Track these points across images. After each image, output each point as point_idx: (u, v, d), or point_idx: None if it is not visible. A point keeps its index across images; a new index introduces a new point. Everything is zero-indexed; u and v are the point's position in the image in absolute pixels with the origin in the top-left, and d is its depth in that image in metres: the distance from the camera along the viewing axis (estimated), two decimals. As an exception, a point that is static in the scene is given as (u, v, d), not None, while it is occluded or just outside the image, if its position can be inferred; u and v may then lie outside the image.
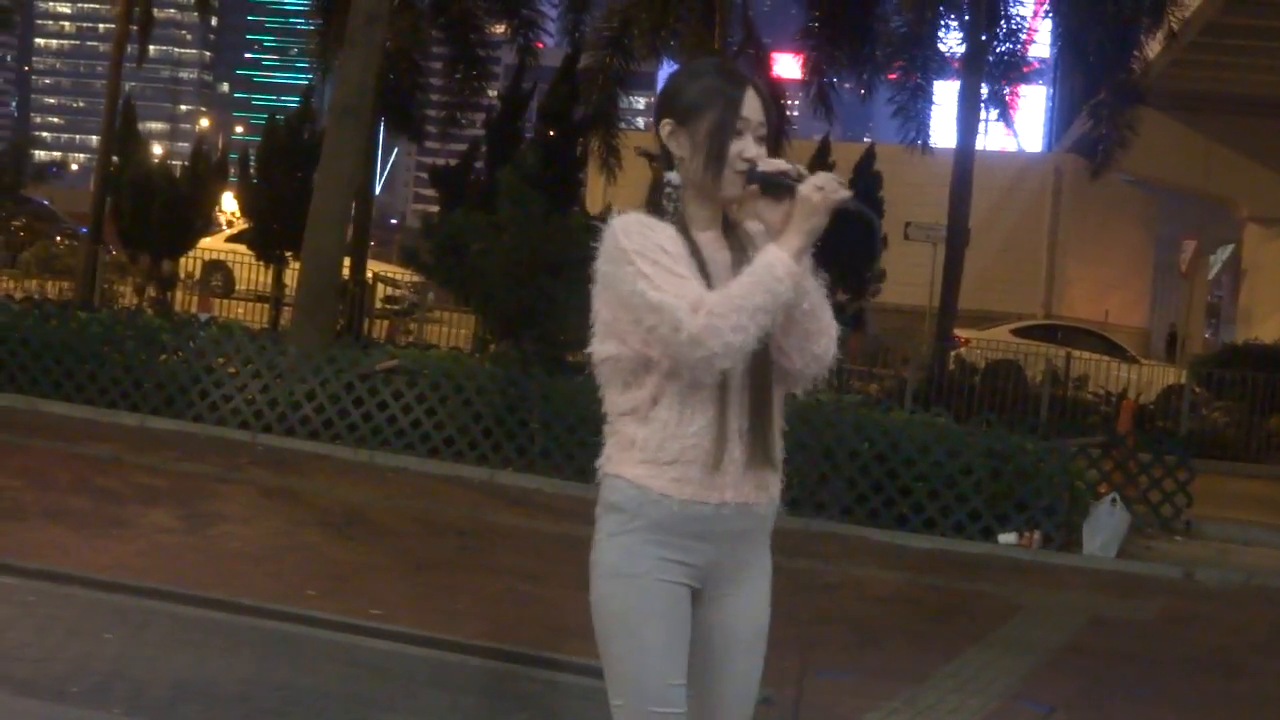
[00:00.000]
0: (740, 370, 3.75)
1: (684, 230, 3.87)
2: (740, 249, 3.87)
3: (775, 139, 4.02)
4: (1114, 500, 15.19)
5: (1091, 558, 14.73)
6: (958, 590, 12.87)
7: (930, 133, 30.83)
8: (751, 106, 3.87)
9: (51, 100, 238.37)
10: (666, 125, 3.92)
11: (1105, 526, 14.95)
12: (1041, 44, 39.99)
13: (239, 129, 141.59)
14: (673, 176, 3.93)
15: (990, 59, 29.59)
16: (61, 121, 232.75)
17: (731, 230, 3.94)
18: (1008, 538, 14.83)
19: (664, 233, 3.83)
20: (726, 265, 3.82)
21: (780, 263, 3.69)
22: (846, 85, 33.64)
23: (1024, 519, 14.92)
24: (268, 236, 28.47)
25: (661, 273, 3.73)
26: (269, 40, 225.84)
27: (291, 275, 25.02)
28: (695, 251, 3.83)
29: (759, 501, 3.88)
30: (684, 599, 3.86)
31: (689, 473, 3.80)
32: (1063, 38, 31.51)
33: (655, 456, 3.84)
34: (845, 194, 3.73)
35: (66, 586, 9.16)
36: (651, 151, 4.08)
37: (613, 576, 3.92)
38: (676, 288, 3.70)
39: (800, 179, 3.76)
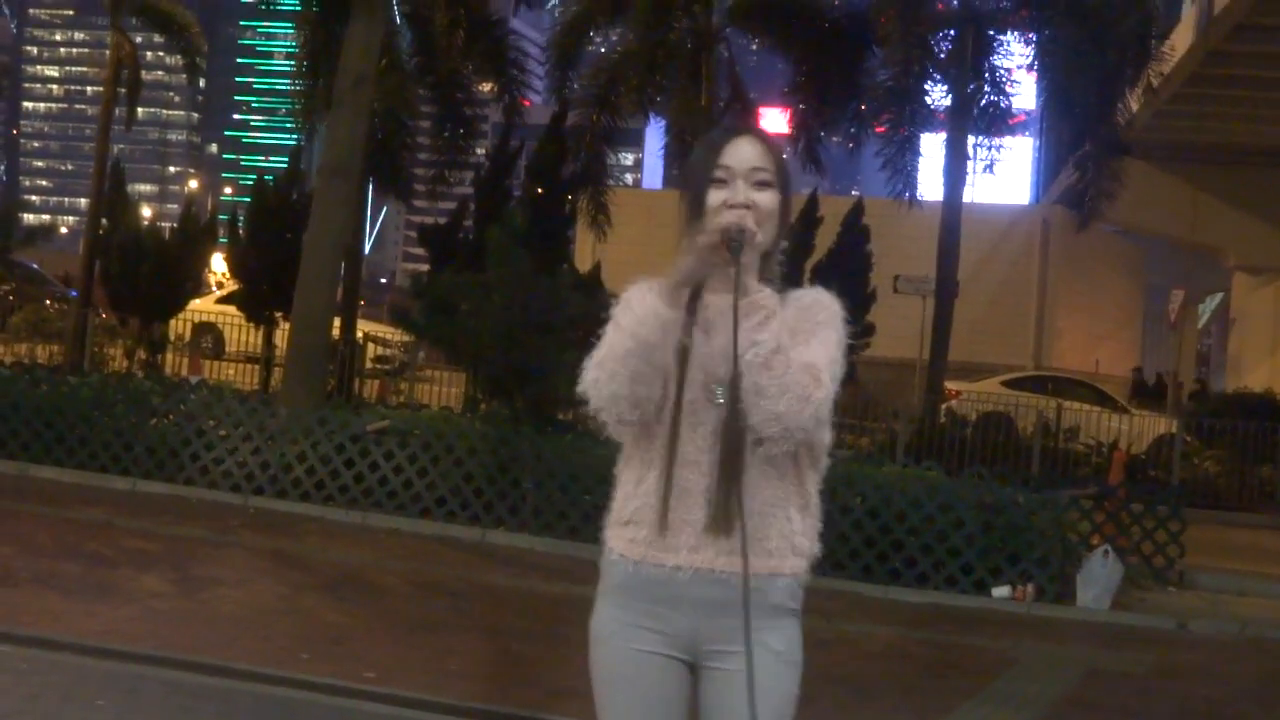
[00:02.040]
0: (708, 429, 3.74)
1: (696, 290, 3.80)
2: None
3: (785, 187, 3.91)
4: (1106, 552, 15.20)
5: (1085, 610, 14.72)
6: (952, 645, 12.85)
7: (918, 185, 30.92)
8: (739, 154, 3.86)
9: (40, 163, 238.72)
10: (682, 194, 3.96)
11: (1098, 578, 14.95)
12: (1027, 96, 40.14)
13: (228, 190, 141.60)
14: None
15: (976, 112, 29.72)
16: (50, 184, 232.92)
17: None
18: (1001, 591, 14.82)
19: (651, 292, 3.79)
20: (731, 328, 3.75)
21: (651, 303, 3.72)
22: (834, 139, 33.77)
23: (1017, 572, 14.91)
24: (257, 297, 28.46)
25: (609, 333, 3.81)
26: (256, 101, 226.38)
27: (282, 336, 25.03)
28: (691, 309, 3.78)
29: (727, 569, 3.73)
30: (660, 667, 3.82)
31: (640, 533, 3.80)
32: (1048, 90, 31.66)
33: (617, 517, 3.88)
34: (726, 226, 3.73)
35: (58, 653, 9.13)
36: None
37: (591, 641, 3.95)
38: (602, 346, 3.80)
39: (725, 234, 3.72)
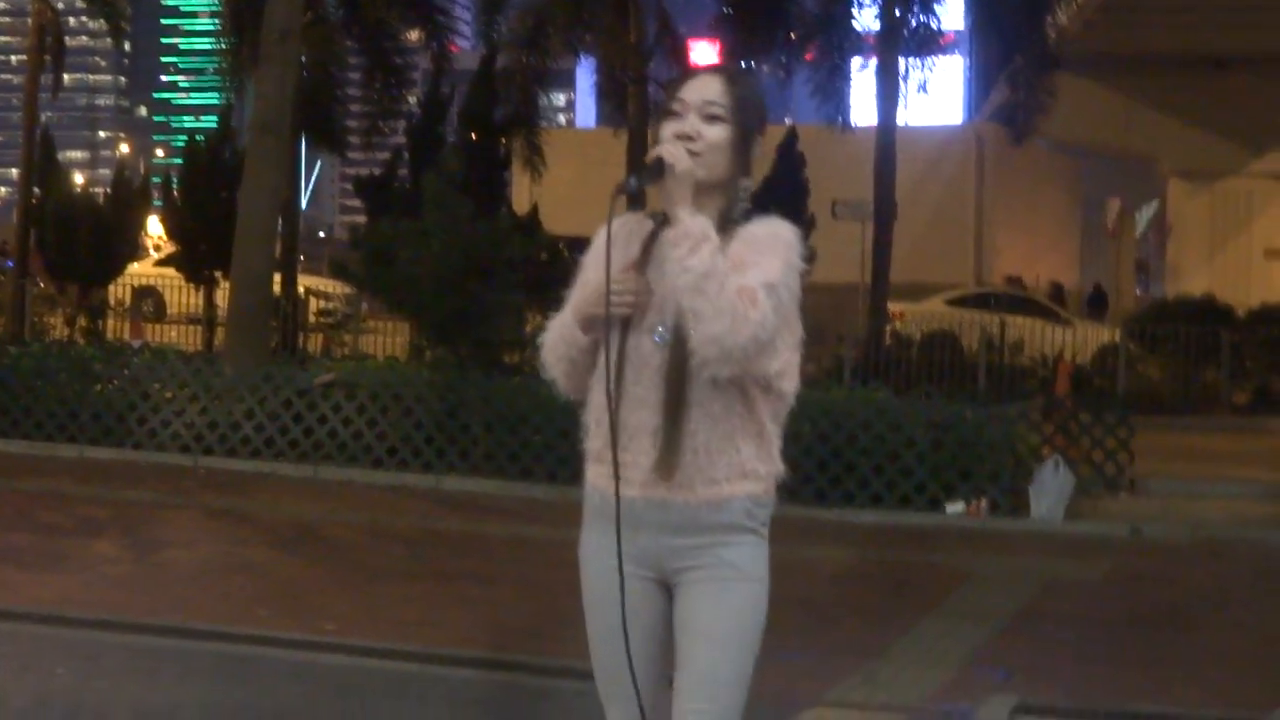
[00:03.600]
0: (652, 369, 3.91)
1: (659, 227, 3.94)
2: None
3: (743, 123, 4.00)
4: (1057, 463, 15.26)
5: (1039, 521, 14.81)
6: (909, 563, 12.93)
7: (850, 111, 30.90)
8: (695, 88, 3.98)
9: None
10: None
11: (1050, 489, 15.03)
12: (956, 15, 40.11)
13: (159, 152, 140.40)
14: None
15: (906, 33, 29.66)
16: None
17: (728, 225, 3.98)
18: (955, 507, 14.89)
19: (604, 237, 3.96)
20: (661, 262, 3.92)
21: (566, 315, 4.07)
22: (765, 69, 33.67)
23: (969, 487, 14.98)
24: (196, 258, 28.28)
25: (575, 289, 4.10)
26: (183, 62, 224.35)
27: (222, 295, 24.85)
28: (648, 247, 3.98)
29: (679, 500, 3.93)
30: (636, 588, 3.98)
31: (605, 469, 3.98)
32: (976, 8, 31.65)
33: (589, 452, 4.11)
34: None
35: (14, 624, 9.09)
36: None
37: (580, 564, 4.17)
38: (560, 313, 4.13)
39: (650, 165, 3.88)
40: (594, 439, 4.07)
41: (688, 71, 4.17)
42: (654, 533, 3.96)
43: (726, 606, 3.95)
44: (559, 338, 4.08)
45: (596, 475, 4.06)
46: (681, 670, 3.98)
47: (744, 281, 3.76)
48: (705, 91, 3.96)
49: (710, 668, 3.94)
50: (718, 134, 3.94)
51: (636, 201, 4.13)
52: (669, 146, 3.88)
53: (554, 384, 4.14)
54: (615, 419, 3.91)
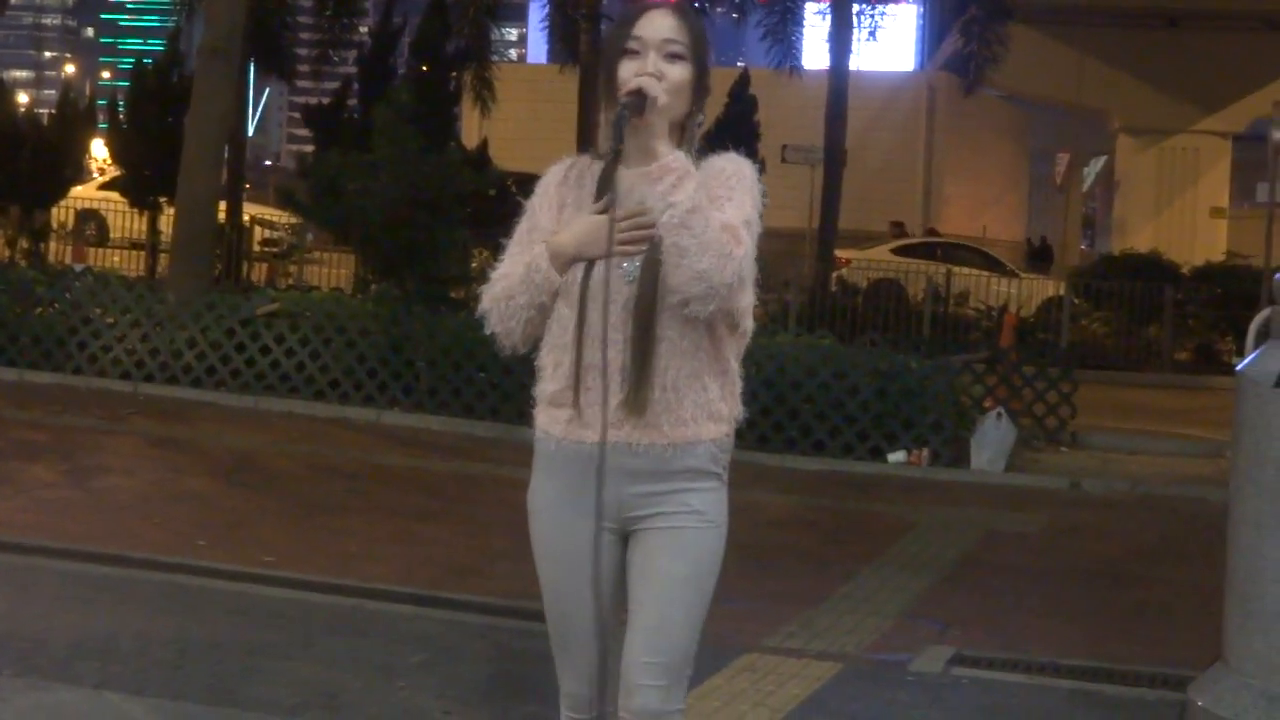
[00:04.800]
0: (618, 306, 3.80)
1: (610, 168, 3.85)
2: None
3: (699, 59, 3.92)
4: (999, 414, 15.33)
5: (980, 472, 14.87)
6: (850, 511, 12.96)
7: (801, 56, 30.87)
8: (651, 25, 3.87)
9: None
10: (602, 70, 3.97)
11: (992, 441, 15.09)
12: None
13: (106, 74, 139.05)
14: (608, 115, 3.93)
15: (860, -22, 29.64)
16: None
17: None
18: (897, 456, 14.93)
19: (554, 180, 4.01)
20: (641, 200, 3.79)
21: (540, 259, 3.87)
22: (719, 10, 33.59)
23: (912, 436, 15.02)
24: (141, 183, 28.03)
25: (515, 237, 4.02)
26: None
27: (167, 221, 24.67)
28: (603, 189, 3.87)
29: (643, 441, 3.84)
30: (590, 535, 3.83)
31: (562, 413, 3.89)
32: (931, -45, 31.58)
33: (542, 398, 3.98)
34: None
35: (-50, 547, 9.02)
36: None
37: (529, 514, 4.04)
38: (507, 259, 3.98)
39: (632, 99, 3.75)
40: (550, 381, 3.94)
41: (637, 5, 4.00)
42: (616, 480, 3.82)
43: (687, 554, 3.88)
44: (519, 287, 3.89)
45: (552, 420, 3.94)
46: (635, 617, 3.91)
47: (725, 218, 3.72)
48: (663, 29, 3.86)
49: (665, 618, 3.86)
50: (679, 73, 3.84)
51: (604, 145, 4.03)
52: (647, 80, 3.77)
53: (504, 338, 3.95)
54: (605, 366, 3.81)
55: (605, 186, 3.86)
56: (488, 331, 3.97)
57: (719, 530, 3.96)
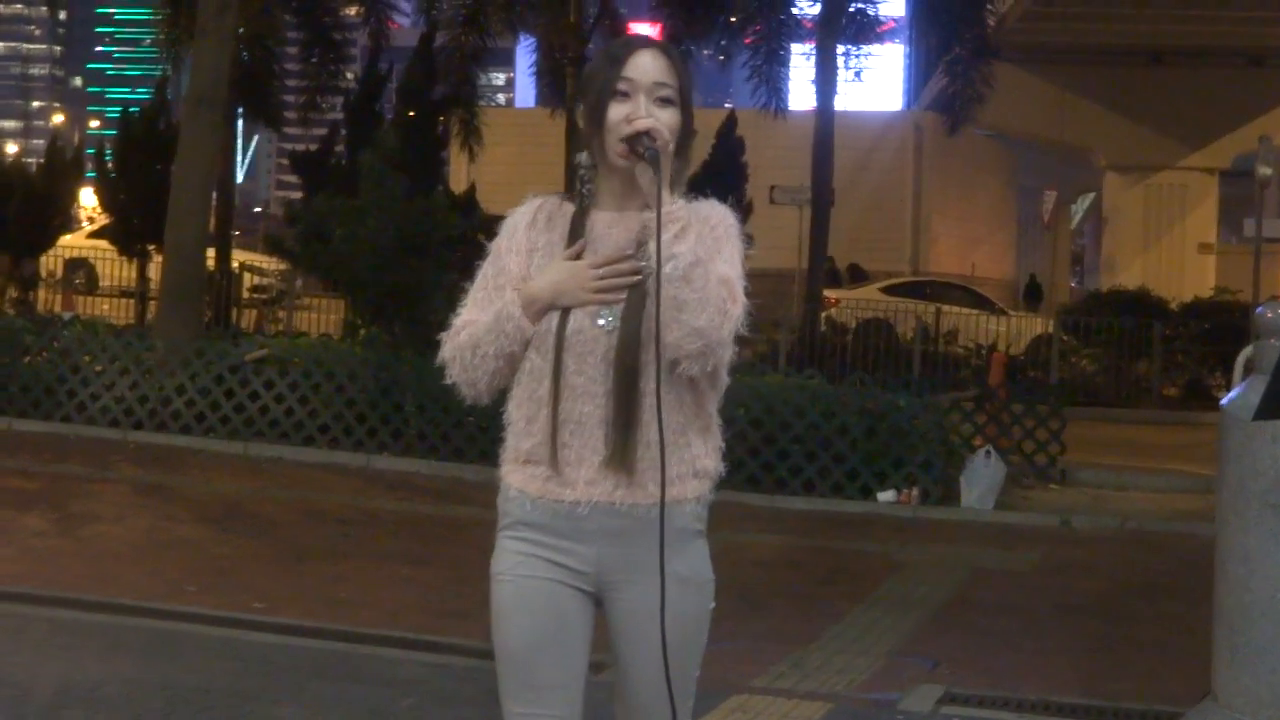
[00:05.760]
0: (597, 358, 3.62)
1: (581, 212, 3.74)
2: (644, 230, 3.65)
3: (687, 104, 3.75)
4: (989, 452, 15.34)
5: (969, 510, 14.88)
6: (839, 551, 12.96)
7: (787, 97, 30.96)
8: (642, 67, 3.68)
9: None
10: (579, 106, 3.79)
11: (981, 479, 15.10)
12: (896, 2, 40.25)
13: (94, 123, 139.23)
14: (581, 157, 3.79)
15: (845, 20, 29.73)
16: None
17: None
18: (886, 496, 14.94)
19: (521, 222, 3.82)
20: (619, 246, 3.68)
21: (511, 307, 3.67)
22: (705, 52, 33.70)
23: (901, 475, 15.02)
24: (129, 231, 28.06)
25: (479, 282, 3.81)
26: (120, 32, 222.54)
27: (156, 269, 24.70)
28: (576, 233, 3.72)
29: (628, 501, 3.64)
30: (561, 596, 3.71)
31: (538, 470, 3.69)
32: (915, -5, 31.73)
33: (514, 456, 3.76)
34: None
35: (-61, 597, 9.01)
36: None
37: (492, 580, 3.79)
38: (471, 306, 3.77)
39: (646, 145, 3.58)
40: (523, 438, 3.72)
41: (622, 44, 3.79)
42: (594, 542, 3.67)
43: (677, 619, 3.66)
44: (487, 336, 3.68)
45: (527, 479, 3.71)
46: (629, 684, 3.78)
47: (722, 272, 3.56)
48: (653, 71, 3.68)
49: (658, 694, 3.69)
50: (670, 118, 3.67)
51: (572, 188, 3.89)
52: (653, 122, 3.62)
53: (467, 388, 3.74)
54: (646, 415, 3.61)
55: (531, 227, 3.80)
56: (449, 381, 3.76)
57: (708, 587, 3.78)
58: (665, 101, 3.69)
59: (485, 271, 3.83)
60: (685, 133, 3.74)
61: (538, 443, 3.68)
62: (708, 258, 3.55)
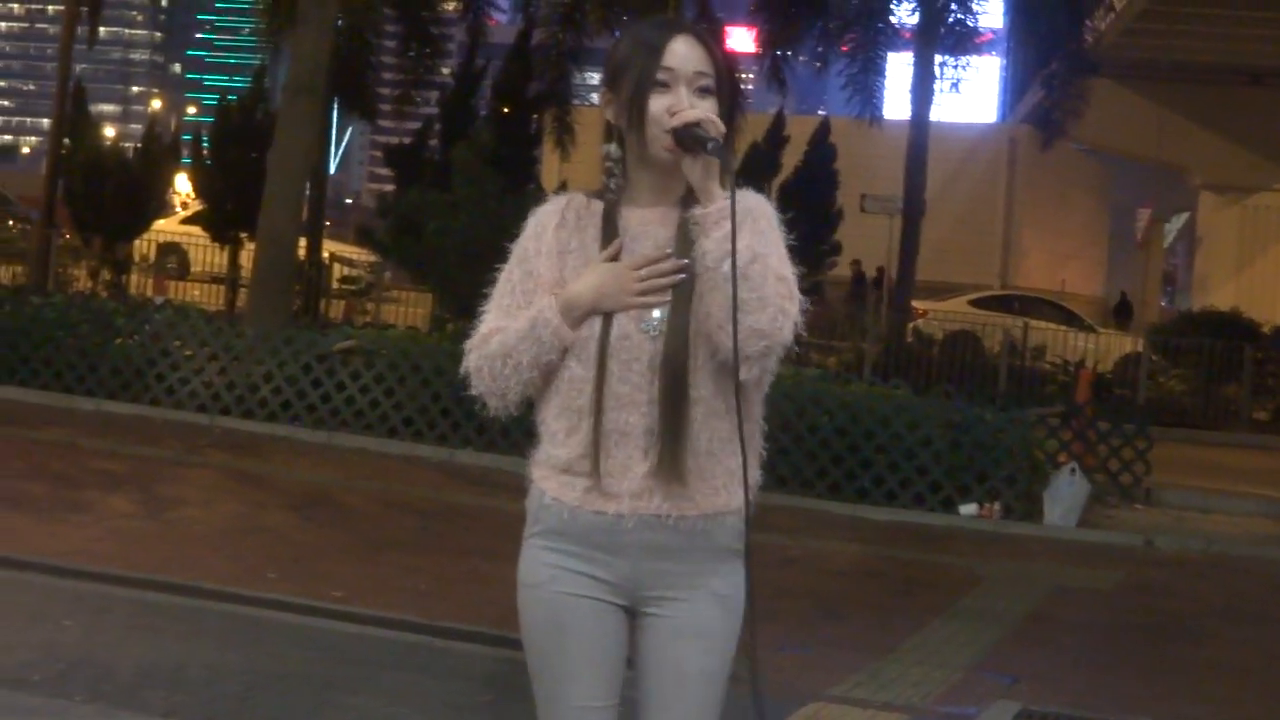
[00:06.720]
0: (642, 365, 3.41)
1: (612, 208, 3.55)
2: (685, 226, 3.44)
3: (731, 92, 3.53)
4: (1073, 470, 15.23)
5: (1052, 527, 14.77)
6: (920, 562, 12.89)
7: (882, 106, 30.89)
8: (681, 55, 3.45)
9: (1, 83, 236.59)
10: (605, 94, 3.56)
11: (1065, 496, 14.99)
12: (994, 14, 40.06)
13: (191, 110, 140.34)
14: (610, 149, 3.57)
15: (943, 30, 29.64)
16: (12, 105, 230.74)
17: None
18: (968, 509, 14.86)
19: (550, 222, 3.63)
20: (659, 244, 3.47)
21: (548, 313, 3.44)
22: (801, 58, 33.65)
23: (984, 490, 14.94)
24: (222, 218, 28.36)
25: (501, 286, 3.62)
26: (220, 20, 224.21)
27: (247, 256, 24.91)
28: (610, 232, 3.53)
29: (674, 514, 3.44)
30: (597, 613, 3.53)
31: (577, 481, 3.48)
32: (1015, 8, 31.61)
33: (549, 462, 3.56)
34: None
35: (25, 573, 9.09)
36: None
37: (520, 586, 3.65)
38: (496, 313, 3.57)
39: (707, 134, 3.33)
40: (562, 446, 3.49)
41: (654, 28, 3.56)
42: (635, 556, 3.47)
43: (713, 648, 3.53)
44: (520, 344, 3.46)
45: (563, 487, 3.49)
46: (653, 705, 3.56)
47: (778, 269, 3.36)
48: (693, 60, 3.45)
49: (689, 713, 3.54)
50: (710, 109, 3.42)
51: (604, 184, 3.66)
52: (703, 113, 3.37)
53: (495, 398, 3.51)
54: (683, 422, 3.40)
55: (561, 227, 3.63)
56: (474, 392, 3.53)
57: (738, 614, 3.56)
58: (704, 91, 3.46)
59: (511, 275, 3.63)
60: (731, 124, 3.49)
61: (579, 455, 3.47)
62: (765, 253, 3.35)
